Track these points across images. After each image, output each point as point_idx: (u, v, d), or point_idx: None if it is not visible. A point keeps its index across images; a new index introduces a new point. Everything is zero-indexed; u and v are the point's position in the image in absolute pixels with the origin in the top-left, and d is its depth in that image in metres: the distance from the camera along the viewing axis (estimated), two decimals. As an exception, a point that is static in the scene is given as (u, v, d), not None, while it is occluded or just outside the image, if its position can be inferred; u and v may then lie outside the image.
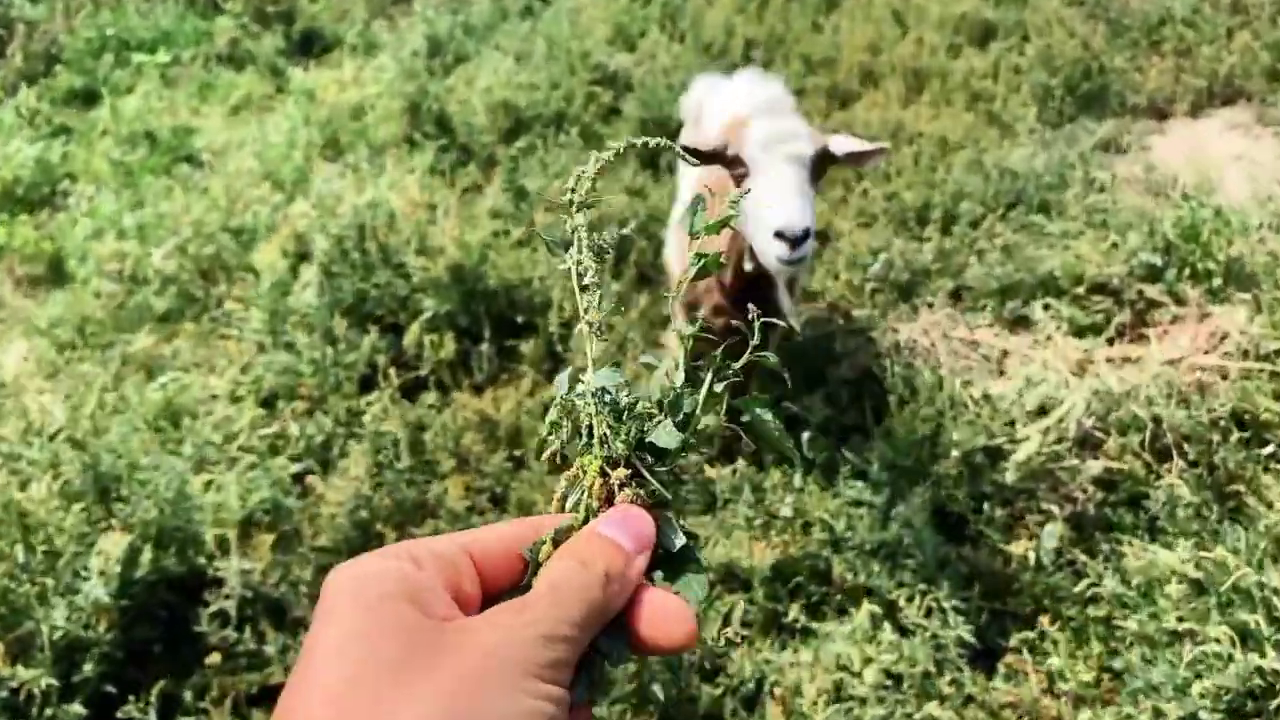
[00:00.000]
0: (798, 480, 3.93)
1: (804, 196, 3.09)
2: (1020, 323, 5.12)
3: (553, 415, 0.79)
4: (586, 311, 0.81)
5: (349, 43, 8.86)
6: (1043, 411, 4.00)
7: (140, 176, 6.80)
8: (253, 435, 4.27)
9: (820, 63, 7.92)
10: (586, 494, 0.73)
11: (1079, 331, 4.78)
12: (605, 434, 0.75)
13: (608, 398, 0.76)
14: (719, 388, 0.79)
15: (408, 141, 7.24)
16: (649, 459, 0.75)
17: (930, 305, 5.43)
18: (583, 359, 0.81)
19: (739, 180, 3.38)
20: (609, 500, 0.73)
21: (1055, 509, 3.81)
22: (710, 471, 4.02)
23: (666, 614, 0.66)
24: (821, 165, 3.28)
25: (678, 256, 4.54)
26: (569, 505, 0.75)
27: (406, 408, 4.53)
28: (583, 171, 0.84)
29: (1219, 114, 8.26)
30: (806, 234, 3.00)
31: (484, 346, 4.86)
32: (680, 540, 0.71)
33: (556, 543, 0.70)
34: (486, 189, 7.00)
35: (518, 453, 4.40)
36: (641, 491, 0.73)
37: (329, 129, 7.42)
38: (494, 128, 7.75)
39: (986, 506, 3.83)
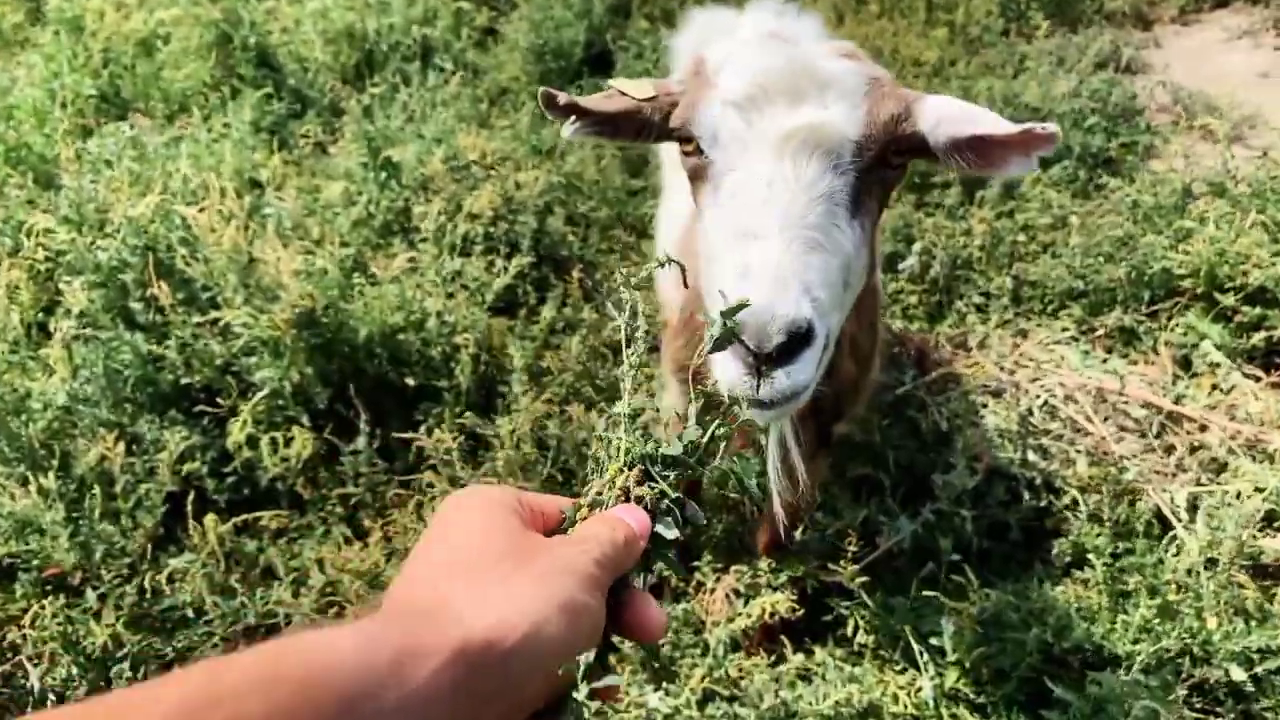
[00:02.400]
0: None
1: (809, 241, 1.51)
2: (1123, 337, 3.61)
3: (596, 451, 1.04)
4: (630, 357, 1.09)
5: (128, -51, 6.48)
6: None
7: None
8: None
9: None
10: (608, 487, 0.98)
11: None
12: (630, 445, 0.99)
13: (637, 420, 1.01)
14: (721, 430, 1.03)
15: (219, 90, 5.16)
16: (659, 469, 0.99)
17: (982, 308, 3.86)
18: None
19: (695, 179, 1.73)
20: (625, 496, 0.97)
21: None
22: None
23: (648, 614, 0.89)
24: (883, 164, 1.63)
25: (664, 287, 2.82)
26: (591, 491, 0.98)
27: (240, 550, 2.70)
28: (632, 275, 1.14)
29: (1214, 19, 6.95)
30: (799, 338, 1.42)
31: (360, 441, 3.05)
32: (671, 534, 0.96)
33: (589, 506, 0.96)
34: (334, 150, 5.04)
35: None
36: (648, 494, 0.97)
37: (106, 75, 5.24)
38: (337, 65, 5.70)
39: None
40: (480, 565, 0.78)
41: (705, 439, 1.03)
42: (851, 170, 1.59)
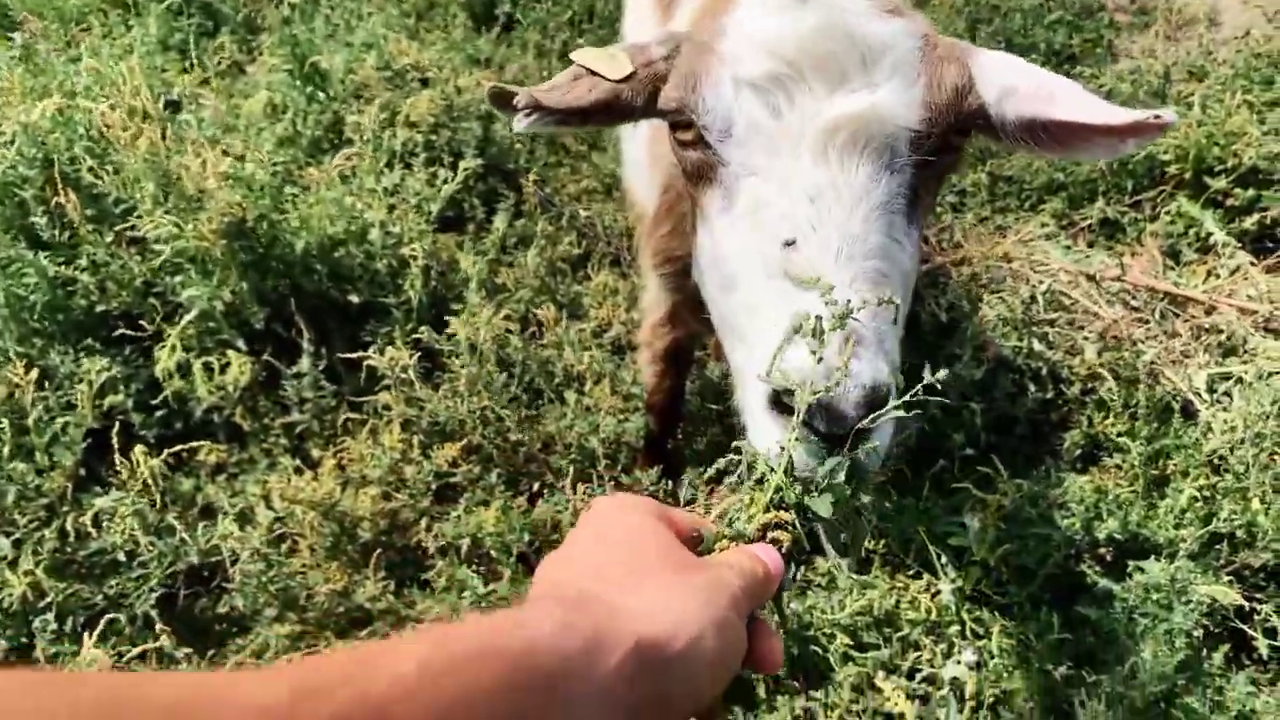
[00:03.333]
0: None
1: (874, 276, 1.19)
2: (1106, 230, 3.44)
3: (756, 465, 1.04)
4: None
5: None
6: None
7: None
8: None
9: None
10: (747, 519, 0.97)
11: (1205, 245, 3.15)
12: (782, 487, 0.99)
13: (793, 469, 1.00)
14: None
15: (120, 5, 4.69)
16: (799, 516, 0.98)
17: (959, 206, 3.66)
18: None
19: (695, 179, 1.37)
20: (763, 534, 0.96)
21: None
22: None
23: (773, 647, 0.87)
24: (944, 149, 1.29)
25: (640, 180, 2.53)
26: (726, 519, 0.99)
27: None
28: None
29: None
30: (873, 402, 1.09)
31: (303, 363, 2.74)
32: (792, 579, 0.98)
33: (730, 538, 0.96)
34: (252, 69, 4.62)
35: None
36: (784, 537, 0.96)
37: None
38: (251, -24, 5.23)
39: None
40: (644, 568, 0.80)
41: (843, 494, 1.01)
42: (909, 165, 1.25)
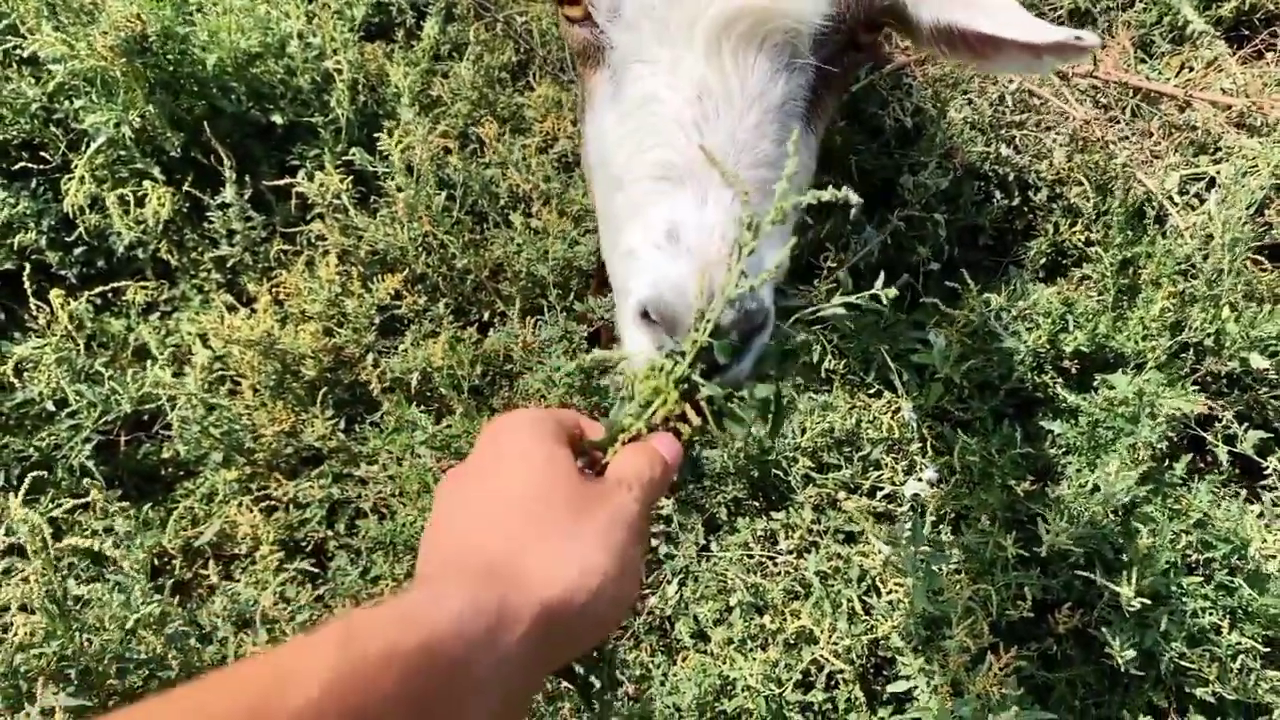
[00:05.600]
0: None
1: (761, 185, 1.08)
2: (1075, 20, 3.23)
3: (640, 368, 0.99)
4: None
5: None
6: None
7: None
8: None
9: None
10: (646, 413, 0.95)
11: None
12: (677, 370, 0.95)
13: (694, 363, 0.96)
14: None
15: None
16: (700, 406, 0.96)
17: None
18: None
19: (582, 58, 1.26)
20: (664, 421, 0.95)
21: None
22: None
23: (669, 458, 0.92)
24: (851, 46, 1.18)
25: None
26: (621, 410, 0.97)
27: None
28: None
29: None
30: (750, 332, 1.04)
31: (228, 192, 2.52)
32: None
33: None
34: None
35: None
36: (684, 427, 0.96)
37: None
38: None
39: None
40: (543, 515, 0.79)
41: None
42: (810, 64, 1.13)
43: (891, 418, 2.15)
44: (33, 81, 2.52)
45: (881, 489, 2.07)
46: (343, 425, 2.35)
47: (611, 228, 1.23)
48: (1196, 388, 2.01)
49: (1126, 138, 2.58)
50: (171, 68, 2.58)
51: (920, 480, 2.07)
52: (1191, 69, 2.86)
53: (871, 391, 2.22)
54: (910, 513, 2.03)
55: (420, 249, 2.57)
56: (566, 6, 1.21)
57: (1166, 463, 1.91)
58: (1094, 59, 2.64)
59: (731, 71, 1.08)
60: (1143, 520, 1.81)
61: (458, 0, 3.19)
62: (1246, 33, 2.98)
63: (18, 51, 2.54)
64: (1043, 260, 2.41)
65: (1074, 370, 2.11)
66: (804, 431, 2.05)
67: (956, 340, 2.07)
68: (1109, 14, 3.19)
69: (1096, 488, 1.79)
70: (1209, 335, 1.99)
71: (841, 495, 2.05)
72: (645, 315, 1.07)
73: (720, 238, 1.02)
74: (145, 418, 2.40)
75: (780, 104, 1.11)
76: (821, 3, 1.10)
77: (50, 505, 2.07)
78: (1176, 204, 2.29)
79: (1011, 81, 2.58)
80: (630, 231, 1.12)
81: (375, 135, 2.74)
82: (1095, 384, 2.03)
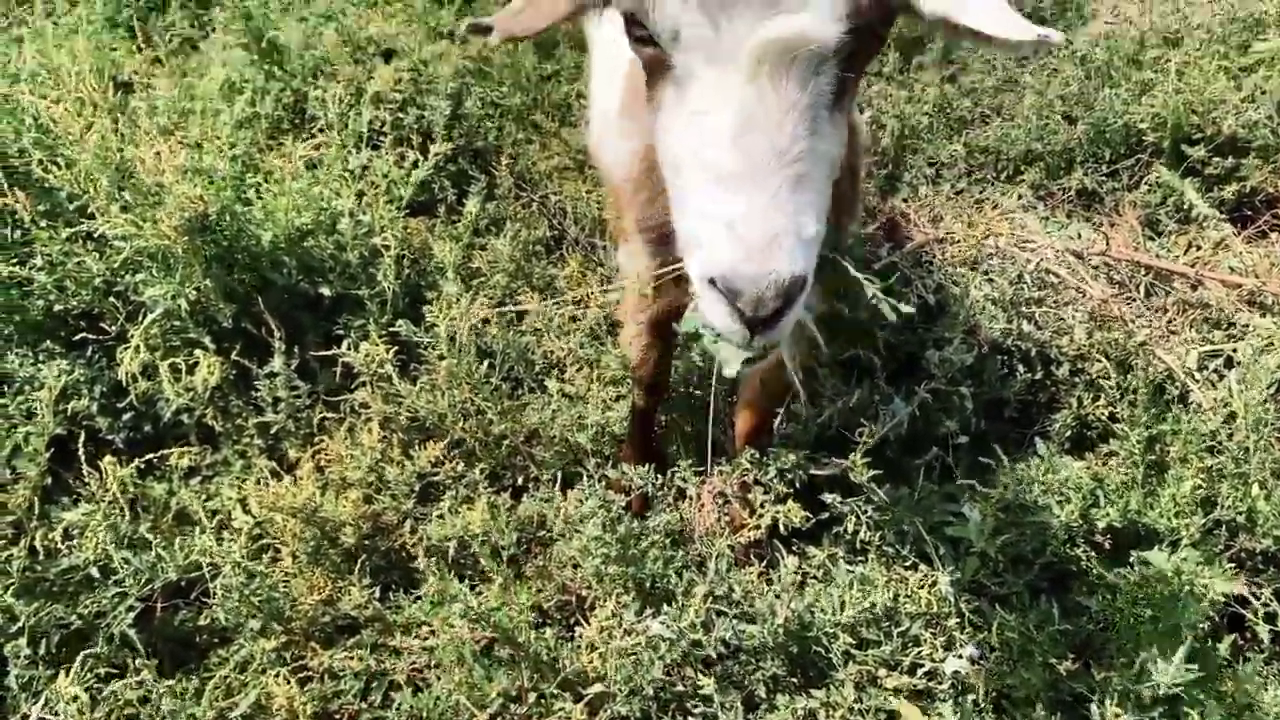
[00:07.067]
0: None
1: (797, 178, 1.30)
2: (1084, 200, 3.38)
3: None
4: None
5: None
6: None
7: None
8: None
9: None
10: None
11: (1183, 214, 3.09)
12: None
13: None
14: None
15: (62, -22, 4.44)
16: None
17: (934, 179, 3.58)
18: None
19: (650, 70, 1.47)
20: None
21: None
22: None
23: None
24: (870, 37, 1.38)
25: (609, 148, 2.41)
26: None
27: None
28: None
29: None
30: (792, 294, 1.31)
31: (275, 361, 2.61)
32: None
33: None
34: (205, 46, 4.40)
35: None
36: None
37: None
38: (200, -51, 4.98)
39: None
40: None
41: None
42: (834, 65, 1.34)
43: (929, 591, 2.15)
44: (97, 256, 2.64)
45: (921, 665, 2.05)
46: (379, 593, 2.35)
47: (680, 204, 1.45)
48: (1233, 565, 2.02)
49: (1143, 315, 2.67)
50: (228, 243, 2.71)
51: (960, 658, 2.05)
52: (1199, 248, 2.97)
53: (908, 565, 2.23)
54: (952, 690, 2.01)
55: (459, 415, 2.63)
56: (635, 29, 1.43)
57: (1209, 642, 1.90)
58: (1106, 239, 2.76)
59: (769, 88, 1.29)
60: (1192, 704, 1.79)
61: (498, 181, 3.35)
62: (1249, 213, 3.11)
63: (82, 225, 2.67)
64: (1068, 433, 2.45)
65: (1107, 545, 2.12)
66: (843, 606, 2.05)
67: (990, 514, 2.09)
68: (1115, 194, 3.34)
69: (1143, 671, 1.77)
70: (1241, 513, 2.01)
71: (882, 672, 2.03)
72: (711, 282, 1.31)
73: (767, 226, 1.27)
74: (183, 583, 2.41)
75: (811, 104, 1.31)
76: (840, 24, 1.29)
77: (88, 674, 2.06)
78: (1198, 380, 2.35)
79: (1029, 260, 2.68)
80: (693, 215, 1.36)
81: (417, 304, 2.84)
82: (1130, 559, 2.04)
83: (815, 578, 2.34)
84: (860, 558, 2.33)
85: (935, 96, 3.65)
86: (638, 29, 1.42)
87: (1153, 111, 3.25)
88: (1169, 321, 2.66)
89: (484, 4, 4.60)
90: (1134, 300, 2.72)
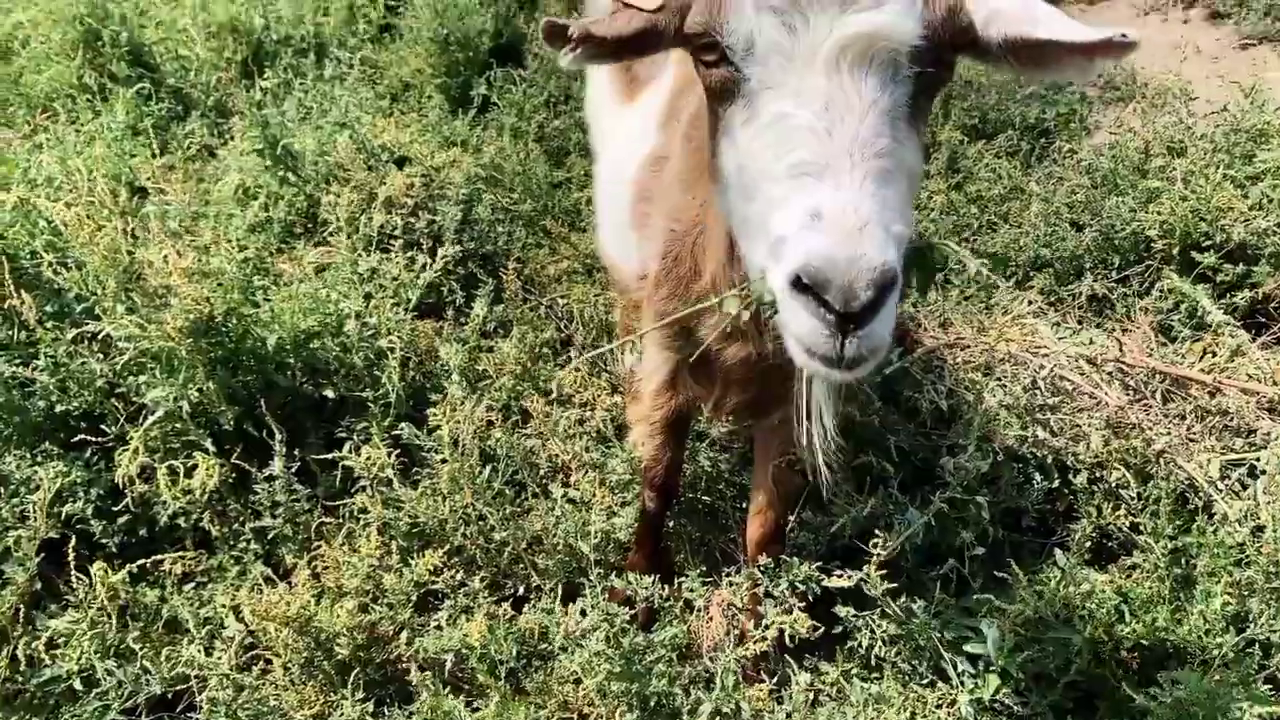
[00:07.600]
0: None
1: (881, 172, 1.31)
2: (1095, 306, 3.36)
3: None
4: None
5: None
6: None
7: None
8: None
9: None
10: None
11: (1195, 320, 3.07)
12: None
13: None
14: None
15: (88, 91, 4.56)
16: None
17: (943, 285, 3.57)
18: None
19: (719, 96, 1.49)
20: None
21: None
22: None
23: None
24: (939, 63, 1.42)
25: (622, 245, 2.41)
26: None
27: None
28: None
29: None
30: (884, 287, 1.26)
31: (275, 464, 2.56)
32: None
33: None
34: (223, 153, 4.48)
35: None
36: None
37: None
38: (221, 60, 5.13)
39: None
40: None
41: None
42: (910, 77, 1.38)
43: (948, 711, 2.04)
44: (101, 357, 2.62)
45: (942, 792, 1.93)
46: (372, 708, 2.25)
47: (752, 229, 1.46)
48: (1269, 686, 1.91)
49: (1161, 422, 2.61)
50: (233, 345, 2.70)
51: (982, 783, 1.93)
52: (1214, 354, 2.93)
53: (925, 682, 2.12)
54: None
55: (460, 521, 2.56)
56: (704, 53, 1.46)
57: (1248, 769, 1.79)
58: (1120, 346, 2.72)
59: (850, 86, 1.32)
60: (1231, 837, 1.67)
61: (506, 285, 3.35)
62: (1261, 319, 3.07)
63: (88, 326, 2.66)
64: (1088, 544, 2.36)
65: (1134, 664, 2.02)
66: (858, 728, 1.94)
67: (1009, 630, 2.00)
68: (1127, 300, 3.31)
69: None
70: (1275, 631, 1.91)
71: (900, 798, 1.92)
72: (797, 284, 1.27)
73: (855, 212, 1.24)
74: (169, 695, 2.32)
75: (890, 109, 1.34)
76: (916, 27, 1.34)
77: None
78: (1221, 490, 2.28)
79: (1043, 366, 2.64)
80: (775, 222, 1.34)
81: (421, 406, 2.80)
82: (1159, 679, 1.93)
83: (829, 695, 2.24)
84: (875, 674, 2.23)
85: (941, 203, 3.67)
86: (707, 52, 1.46)
87: (1160, 219, 3.26)
88: (1188, 429, 2.60)
89: (498, 115, 4.70)
90: (1151, 408, 2.66)
